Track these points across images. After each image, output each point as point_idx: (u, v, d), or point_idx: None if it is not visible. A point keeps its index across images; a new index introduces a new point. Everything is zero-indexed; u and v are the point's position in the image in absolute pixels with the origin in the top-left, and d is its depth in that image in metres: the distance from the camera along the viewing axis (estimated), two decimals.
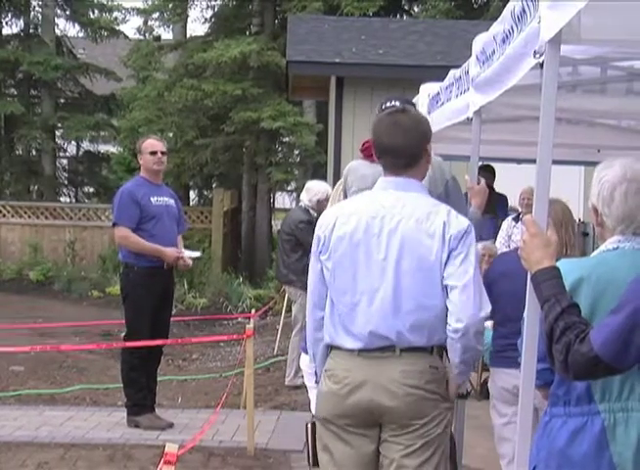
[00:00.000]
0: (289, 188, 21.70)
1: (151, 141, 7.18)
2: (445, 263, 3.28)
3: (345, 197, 4.66)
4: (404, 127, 3.41)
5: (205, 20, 20.45)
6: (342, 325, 3.32)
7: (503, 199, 9.78)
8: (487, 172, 8.57)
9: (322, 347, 3.45)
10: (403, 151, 3.40)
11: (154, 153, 6.99)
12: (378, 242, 3.30)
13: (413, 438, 3.30)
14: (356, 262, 3.30)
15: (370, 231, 3.31)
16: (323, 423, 3.40)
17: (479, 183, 4.84)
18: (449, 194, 4.44)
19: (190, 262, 7.23)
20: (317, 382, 3.52)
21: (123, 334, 7.36)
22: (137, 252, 6.83)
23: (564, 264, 2.75)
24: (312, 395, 4.05)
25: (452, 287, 3.28)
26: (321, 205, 7.97)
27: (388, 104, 4.71)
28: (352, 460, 3.35)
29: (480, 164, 7.55)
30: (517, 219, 8.89)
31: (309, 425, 3.64)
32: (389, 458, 3.34)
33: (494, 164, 8.99)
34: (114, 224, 6.96)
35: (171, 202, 7.13)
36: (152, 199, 6.93)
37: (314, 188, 8.55)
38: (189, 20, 20.89)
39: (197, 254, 7.58)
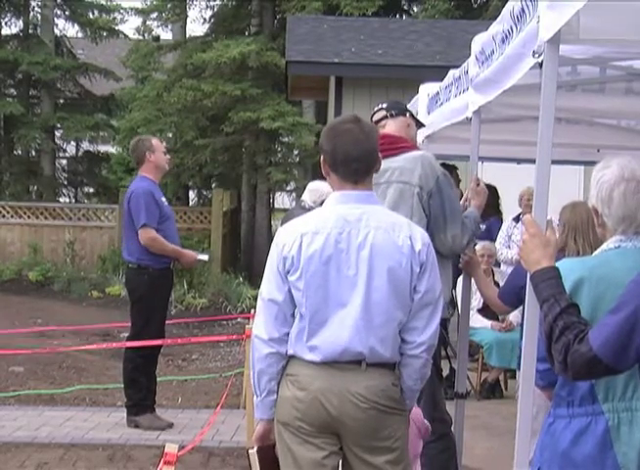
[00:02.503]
0: (288, 188, 21.66)
1: (157, 140, 7.19)
2: (417, 277, 3.30)
3: None
4: (366, 133, 3.39)
5: (205, 20, 20.47)
6: (311, 341, 3.28)
7: None
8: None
9: (278, 361, 3.35)
10: (368, 156, 3.39)
11: (165, 152, 7.05)
12: (347, 258, 3.28)
13: (385, 455, 3.32)
14: (328, 280, 3.27)
15: (338, 247, 3.29)
16: (286, 427, 3.36)
17: (478, 184, 4.84)
18: (441, 189, 4.44)
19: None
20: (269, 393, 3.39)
21: (126, 335, 7.35)
22: (159, 253, 6.77)
23: (564, 264, 2.74)
24: None
25: (426, 304, 3.32)
26: None
27: (376, 108, 4.75)
28: (315, 463, 3.32)
29: (442, 162, 7.47)
30: (517, 219, 8.88)
31: (253, 451, 3.52)
32: None
33: (494, 165, 8.95)
34: (144, 225, 6.73)
35: None
36: (163, 199, 6.95)
37: (321, 189, 8.52)
38: (188, 20, 20.87)
39: (206, 257, 7.64)
